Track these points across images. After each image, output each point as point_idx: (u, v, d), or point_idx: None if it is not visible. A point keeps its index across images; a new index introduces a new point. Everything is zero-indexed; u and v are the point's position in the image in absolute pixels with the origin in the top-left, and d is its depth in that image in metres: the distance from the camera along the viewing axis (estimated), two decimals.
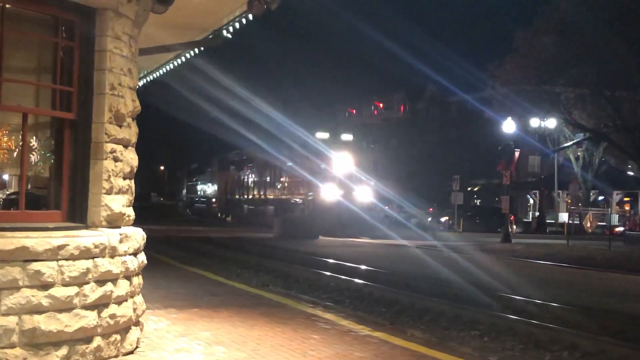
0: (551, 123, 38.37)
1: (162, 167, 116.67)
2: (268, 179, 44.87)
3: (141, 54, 7.98)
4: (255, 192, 48.09)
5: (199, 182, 74.55)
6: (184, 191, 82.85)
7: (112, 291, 6.47)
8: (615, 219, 43.45)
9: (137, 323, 7.11)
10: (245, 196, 51.17)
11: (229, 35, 9.70)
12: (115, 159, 6.71)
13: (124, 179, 6.89)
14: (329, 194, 34.40)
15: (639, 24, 29.57)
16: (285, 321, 9.49)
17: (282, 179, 41.73)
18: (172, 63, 11.97)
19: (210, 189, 69.40)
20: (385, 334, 8.83)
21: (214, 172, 66.18)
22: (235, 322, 9.25)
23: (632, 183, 46.63)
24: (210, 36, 9.89)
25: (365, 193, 35.38)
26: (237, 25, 9.40)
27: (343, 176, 34.68)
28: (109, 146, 6.63)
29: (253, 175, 49.88)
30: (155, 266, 14.23)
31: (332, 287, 15.82)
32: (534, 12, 42.01)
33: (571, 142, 41.30)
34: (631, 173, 50.03)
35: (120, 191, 6.79)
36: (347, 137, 37.85)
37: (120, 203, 6.77)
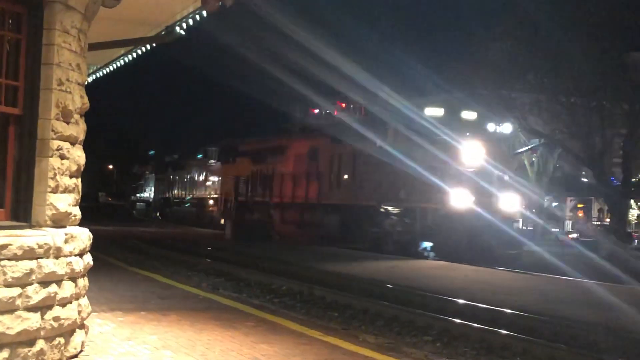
0: (507, 128, 38.84)
1: (110, 166, 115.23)
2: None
3: (91, 49, 7.88)
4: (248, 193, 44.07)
5: (147, 182, 75.31)
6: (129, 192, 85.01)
7: (56, 293, 6.38)
8: (569, 225, 44.18)
9: (82, 326, 7.02)
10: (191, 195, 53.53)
11: (183, 32, 9.64)
12: (62, 157, 6.62)
13: (71, 177, 6.80)
14: (457, 199, 22.92)
15: (594, 32, 30.15)
16: (235, 325, 9.45)
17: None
18: (124, 59, 11.86)
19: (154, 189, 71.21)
20: (337, 339, 8.86)
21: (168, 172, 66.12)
22: (183, 326, 9.19)
23: (585, 190, 47.48)
24: (163, 32, 9.82)
25: (509, 198, 24.00)
26: (190, 21, 9.36)
27: (472, 173, 23.56)
28: (56, 143, 6.53)
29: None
30: (101, 268, 14.07)
31: (284, 291, 15.81)
32: (493, 17, 42.51)
33: (526, 148, 41.91)
34: (585, 180, 50.95)
35: (66, 190, 6.70)
36: (469, 115, 26.21)
37: (66, 202, 6.68)
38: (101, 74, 13.18)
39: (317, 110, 40.56)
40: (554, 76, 31.68)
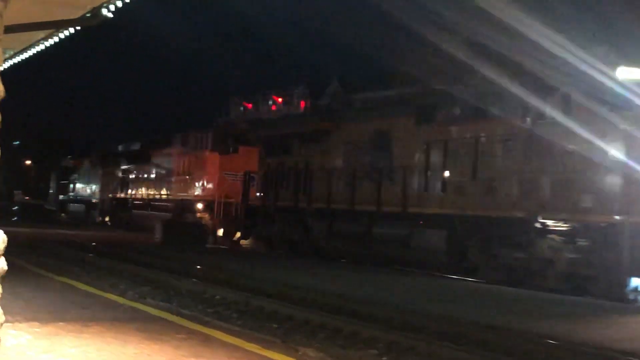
0: None
1: (28, 162, 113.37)
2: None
3: (7, 31, 7.76)
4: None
5: (76, 180, 68.28)
6: (53, 190, 77.13)
7: None
8: None
9: None
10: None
11: (110, 15, 9.56)
12: None
13: None
14: None
15: None
16: (163, 337, 9.40)
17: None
18: (44, 43, 11.72)
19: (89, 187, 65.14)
20: (275, 352, 8.88)
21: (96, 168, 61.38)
22: (107, 338, 9.10)
23: None
24: (88, 14, 9.72)
25: None
26: (119, 3, 9.28)
27: None
28: None
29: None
30: (17, 274, 13.83)
31: (217, 301, 15.78)
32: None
33: None
34: None
35: None
36: None
37: None
38: (19, 60, 12.99)
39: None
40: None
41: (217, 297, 16.15)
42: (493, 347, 11.24)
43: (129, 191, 48.38)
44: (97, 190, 56.25)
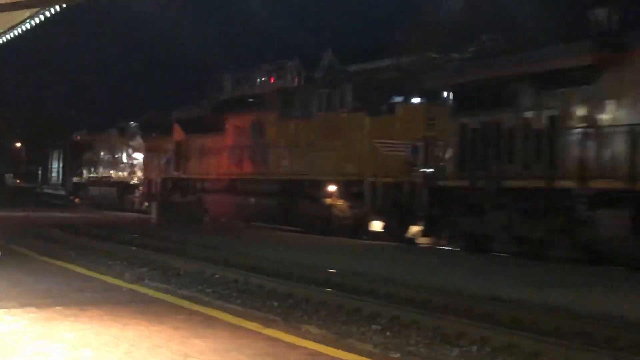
0: None
1: (18, 144, 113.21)
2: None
3: None
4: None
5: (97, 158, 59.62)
6: (56, 171, 70.85)
7: None
8: None
9: None
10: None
11: None
12: None
13: None
14: None
15: None
16: (163, 319, 9.41)
17: None
18: (29, 22, 11.64)
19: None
20: (277, 331, 8.89)
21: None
22: (105, 322, 9.11)
23: None
24: None
25: None
26: None
27: None
28: None
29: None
30: (10, 258, 13.91)
31: (216, 280, 15.81)
32: None
33: None
34: None
35: None
36: None
37: None
38: (4, 40, 12.91)
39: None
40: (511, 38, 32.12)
41: (216, 276, 16.16)
42: None
43: (196, 169, 36.91)
44: (134, 169, 47.17)
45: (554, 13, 30.46)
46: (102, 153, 53.89)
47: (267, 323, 9.49)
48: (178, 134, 38.12)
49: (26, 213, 37.60)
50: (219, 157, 34.32)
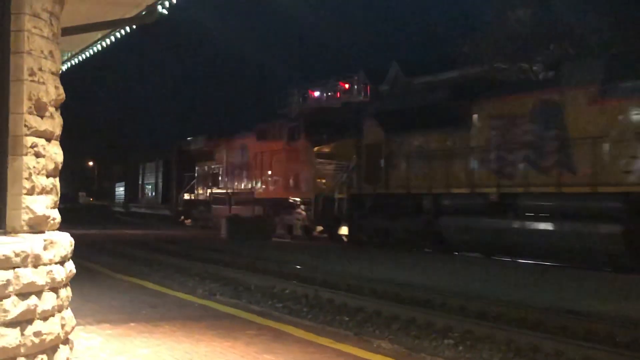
0: None
1: (90, 163, 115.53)
2: None
3: (64, 34, 7.88)
4: None
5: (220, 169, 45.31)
6: (150, 188, 58.55)
7: (36, 305, 6.39)
8: None
9: (66, 341, 7.04)
10: None
11: (165, 11, 9.65)
12: (37, 155, 6.62)
13: (48, 177, 6.81)
14: None
15: None
16: (235, 335, 9.47)
17: None
18: (101, 43, 11.87)
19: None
20: (349, 345, 8.88)
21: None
22: (178, 337, 9.21)
23: None
24: (144, 12, 9.81)
25: None
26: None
27: None
28: (30, 140, 6.53)
29: None
30: (85, 276, 14.11)
31: (287, 295, 15.86)
32: None
33: None
34: None
35: (43, 191, 6.70)
36: None
37: (43, 205, 6.68)
38: (77, 61, 13.17)
39: (317, 93, 40.11)
40: (576, 47, 31.70)
41: (287, 290, 16.21)
42: None
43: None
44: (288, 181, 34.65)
45: (615, 24, 30.00)
46: (230, 162, 41.34)
47: (339, 338, 9.49)
48: (373, 134, 28.04)
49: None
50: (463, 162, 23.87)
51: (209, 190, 43.99)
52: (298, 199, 33.22)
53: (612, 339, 10.90)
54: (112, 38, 11.48)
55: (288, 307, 14.36)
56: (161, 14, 9.66)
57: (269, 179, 35.91)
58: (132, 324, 10.09)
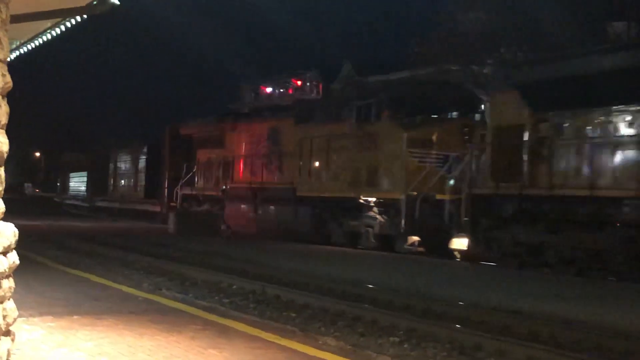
0: None
1: (37, 153, 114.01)
2: None
3: (13, 21, 7.77)
4: None
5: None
6: (130, 179, 50.38)
7: None
8: None
9: (7, 332, 6.95)
10: None
11: (117, 2, 9.56)
12: None
13: None
14: None
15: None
16: (180, 329, 9.43)
17: None
18: (51, 32, 11.71)
19: None
20: (294, 342, 8.89)
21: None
22: (122, 331, 9.14)
23: None
24: (95, 2, 9.72)
25: None
26: None
27: None
28: None
29: None
30: (29, 268, 13.93)
31: (233, 291, 15.83)
32: None
33: None
34: None
35: None
36: None
37: None
38: (26, 50, 13.00)
39: (269, 89, 39.74)
40: (529, 50, 32.13)
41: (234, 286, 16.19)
42: None
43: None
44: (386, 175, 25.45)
45: (573, 24, 30.44)
46: (254, 149, 32.98)
47: (284, 334, 9.50)
48: (506, 112, 21.11)
49: None
50: None
51: (221, 185, 34.65)
52: (371, 199, 25.65)
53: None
54: (63, 27, 11.33)
55: (235, 303, 14.32)
56: (113, 4, 9.57)
57: (323, 172, 28.20)
58: (75, 317, 9.99)
